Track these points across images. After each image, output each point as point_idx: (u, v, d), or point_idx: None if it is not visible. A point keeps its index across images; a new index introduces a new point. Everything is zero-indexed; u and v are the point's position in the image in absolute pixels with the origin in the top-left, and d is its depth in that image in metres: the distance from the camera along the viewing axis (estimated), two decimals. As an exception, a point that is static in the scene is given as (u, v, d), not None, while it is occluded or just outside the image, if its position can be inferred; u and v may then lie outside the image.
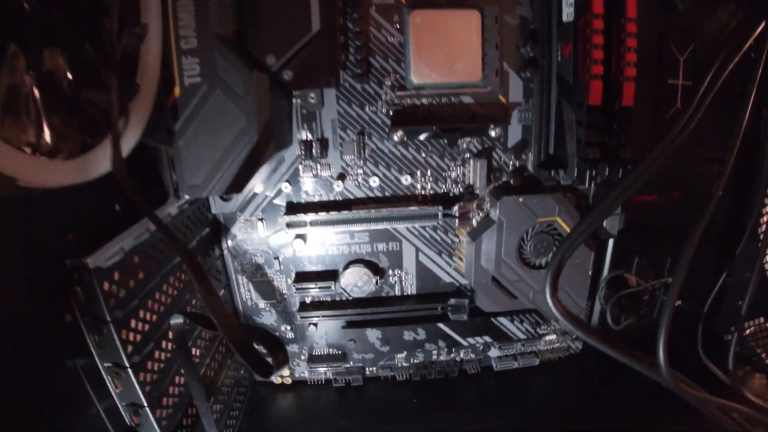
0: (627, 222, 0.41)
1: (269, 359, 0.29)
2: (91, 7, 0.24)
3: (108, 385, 0.27)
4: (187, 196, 0.35)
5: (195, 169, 0.31)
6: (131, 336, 0.27)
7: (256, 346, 0.29)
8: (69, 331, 0.25)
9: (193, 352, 0.36)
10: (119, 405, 0.28)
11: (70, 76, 0.23)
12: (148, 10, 0.27)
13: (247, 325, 0.44)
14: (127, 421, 0.29)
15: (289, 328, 0.45)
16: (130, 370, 0.27)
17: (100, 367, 0.27)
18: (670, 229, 0.43)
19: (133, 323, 0.28)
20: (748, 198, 0.43)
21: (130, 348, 0.27)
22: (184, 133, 0.30)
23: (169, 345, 0.32)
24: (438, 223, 0.41)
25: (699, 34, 0.38)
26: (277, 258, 0.42)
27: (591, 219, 0.36)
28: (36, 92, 0.20)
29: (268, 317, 0.45)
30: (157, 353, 0.30)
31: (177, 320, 0.32)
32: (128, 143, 0.27)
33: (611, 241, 0.44)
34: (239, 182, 0.31)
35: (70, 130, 0.23)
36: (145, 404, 0.28)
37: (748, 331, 0.46)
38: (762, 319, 0.46)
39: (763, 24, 0.36)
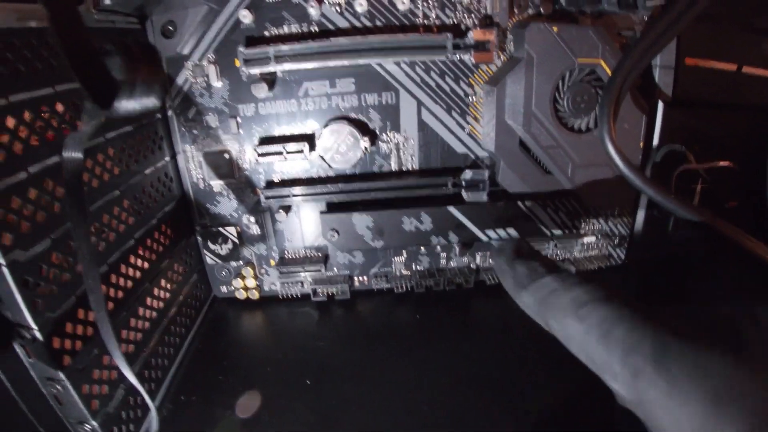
0: (679, 91, 0.32)
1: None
2: None
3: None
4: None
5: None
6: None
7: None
8: None
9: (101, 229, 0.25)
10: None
11: None
12: None
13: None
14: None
15: (252, 220, 0.35)
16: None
17: None
18: (724, 108, 0.34)
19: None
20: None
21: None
22: None
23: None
24: (447, 58, 0.31)
25: None
26: (234, 117, 0.32)
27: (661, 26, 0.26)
28: None
29: (226, 205, 0.35)
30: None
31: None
32: None
33: (660, 114, 0.34)
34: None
35: None
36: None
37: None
38: None
39: None
